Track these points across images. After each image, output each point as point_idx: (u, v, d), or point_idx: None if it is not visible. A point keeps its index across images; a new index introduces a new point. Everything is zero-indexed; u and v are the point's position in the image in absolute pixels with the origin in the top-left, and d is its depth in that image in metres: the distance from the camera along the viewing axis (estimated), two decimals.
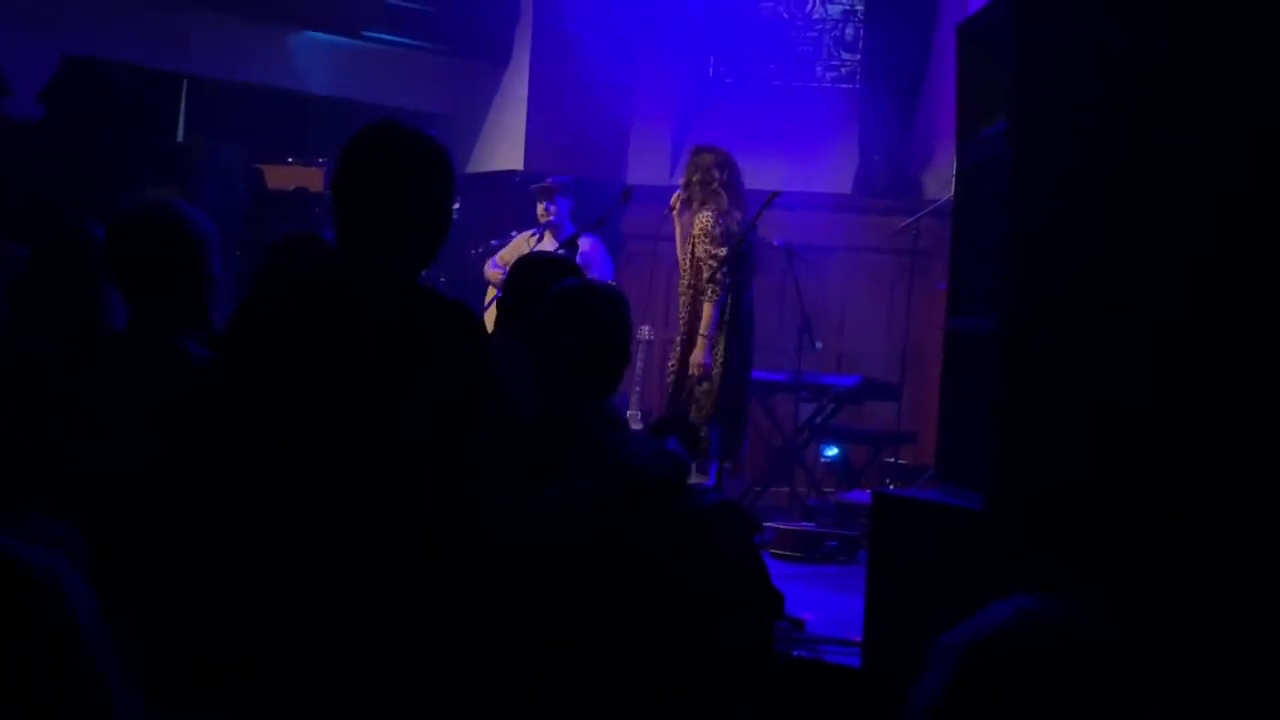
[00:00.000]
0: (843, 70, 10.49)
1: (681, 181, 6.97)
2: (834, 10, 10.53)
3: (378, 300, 2.63)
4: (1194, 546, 3.29)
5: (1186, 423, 3.37)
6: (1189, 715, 3.04)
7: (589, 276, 7.12)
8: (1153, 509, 3.34)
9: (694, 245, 6.79)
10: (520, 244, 7.88)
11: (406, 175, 2.70)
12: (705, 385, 6.61)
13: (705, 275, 6.70)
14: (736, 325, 6.80)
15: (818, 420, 8.39)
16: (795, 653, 4.34)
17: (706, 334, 6.67)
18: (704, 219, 6.77)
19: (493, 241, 8.35)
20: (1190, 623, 3.21)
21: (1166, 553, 3.30)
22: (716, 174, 6.82)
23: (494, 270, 7.87)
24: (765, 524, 6.98)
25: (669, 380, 6.81)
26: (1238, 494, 3.30)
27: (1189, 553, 3.29)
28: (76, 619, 1.27)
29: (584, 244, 7.58)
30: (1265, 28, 3.39)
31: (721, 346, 6.72)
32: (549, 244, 7.62)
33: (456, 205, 7.61)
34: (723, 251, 6.70)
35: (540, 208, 7.86)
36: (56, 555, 1.32)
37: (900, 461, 8.37)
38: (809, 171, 9.64)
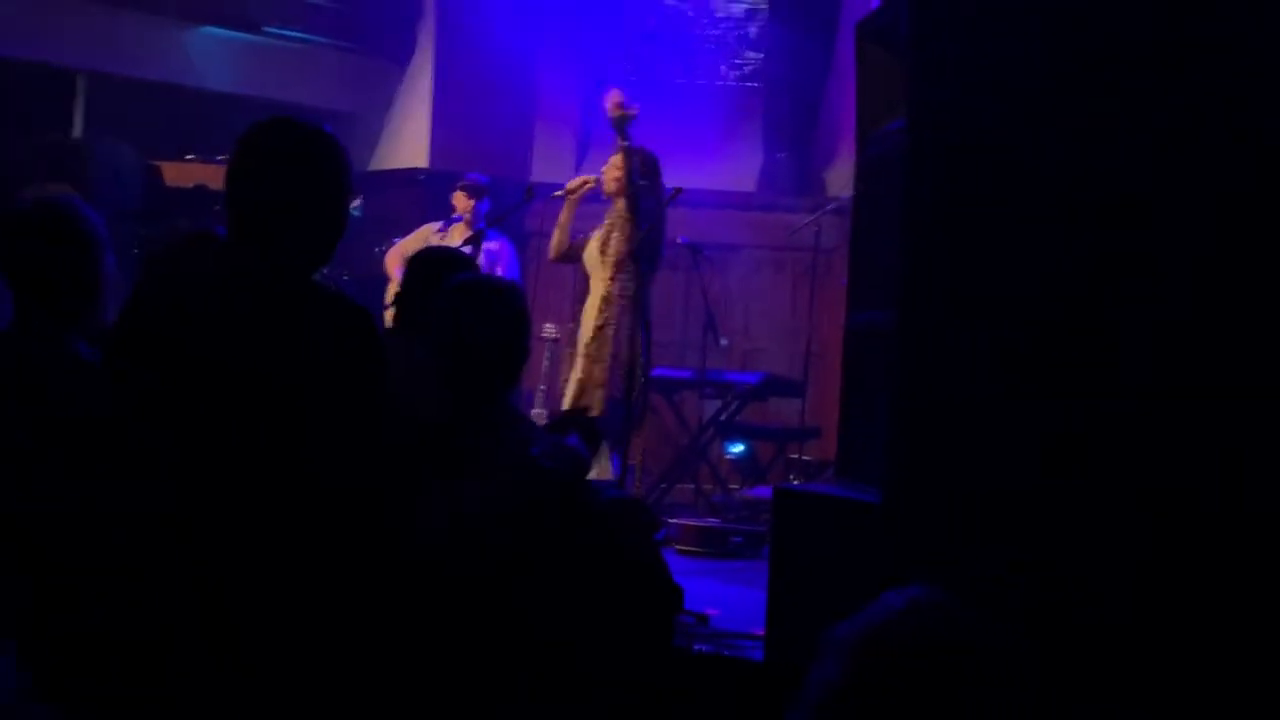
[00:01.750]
0: (746, 69, 10.54)
1: (604, 174, 6.86)
2: (737, 9, 10.57)
3: (263, 298, 2.60)
4: (1085, 539, 3.34)
5: (1081, 416, 3.42)
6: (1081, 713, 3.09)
7: (497, 274, 7.13)
8: (1044, 503, 3.38)
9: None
10: (425, 235, 7.84)
11: (299, 171, 2.66)
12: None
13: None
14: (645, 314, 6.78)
15: (722, 417, 8.43)
16: (697, 647, 4.35)
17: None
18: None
19: (394, 240, 8.29)
20: (1083, 618, 3.27)
21: (1057, 546, 3.35)
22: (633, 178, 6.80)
23: (395, 264, 7.82)
24: (670, 520, 6.99)
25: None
26: (1132, 487, 3.35)
27: (1079, 544, 3.34)
28: None
29: (492, 243, 7.55)
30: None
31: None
32: (455, 240, 7.58)
33: (356, 203, 7.52)
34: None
35: (468, 203, 7.81)
36: None
37: (805, 458, 8.42)
38: (713, 170, 9.68)
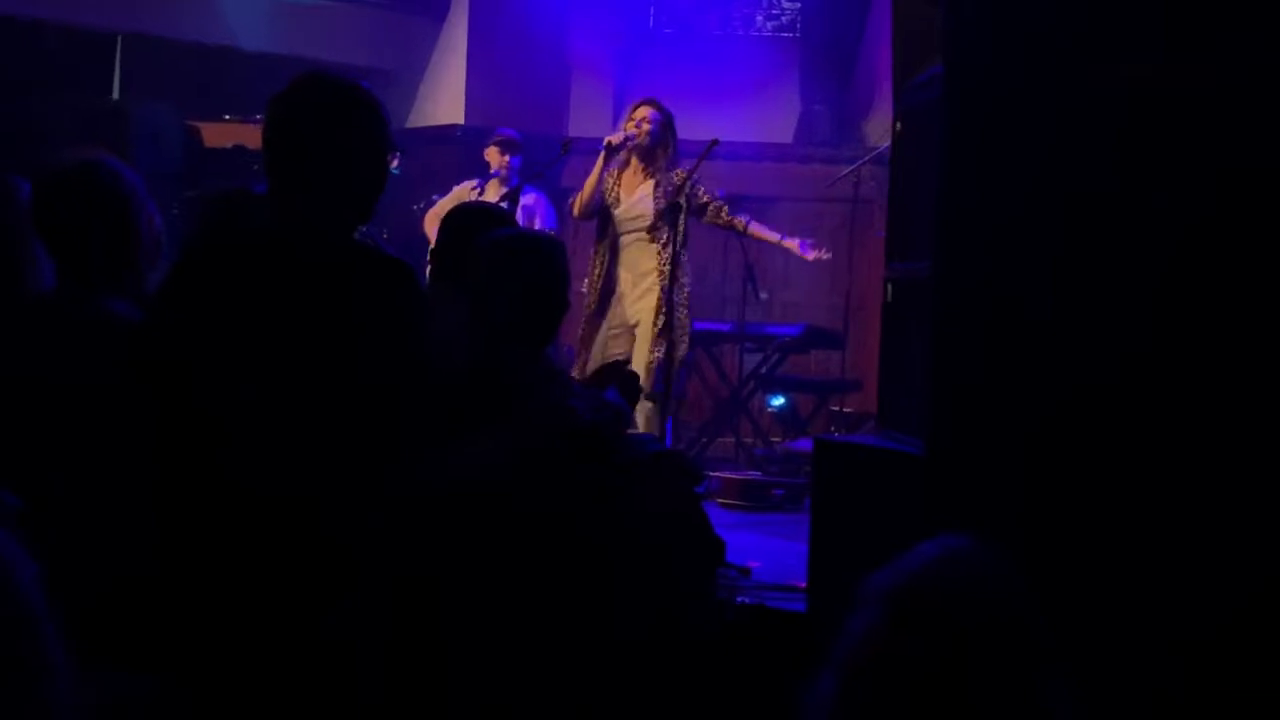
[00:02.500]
0: (783, 19, 10.45)
1: (634, 130, 6.79)
2: None
3: (308, 256, 2.60)
4: (1125, 495, 3.33)
5: (1117, 370, 3.40)
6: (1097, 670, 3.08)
7: (534, 228, 7.11)
8: (1081, 458, 3.36)
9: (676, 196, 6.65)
10: (461, 194, 7.82)
11: (337, 127, 2.65)
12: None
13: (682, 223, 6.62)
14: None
15: (763, 370, 8.41)
16: (740, 599, 4.36)
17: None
18: (683, 175, 6.68)
19: (434, 196, 8.30)
20: (1108, 573, 3.25)
21: (1095, 501, 3.33)
22: (668, 131, 6.76)
23: (432, 223, 7.82)
24: (712, 474, 7.00)
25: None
26: (1178, 447, 3.33)
27: (1116, 504, 3.33)
28: (24, 592, 1.25)
29: (528, 198, 7.53)
30: None
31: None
32: (491, 196, 7.57)
33: (394, 160, 7.52)
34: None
35: (501, 159, 7.79)
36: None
37: (846, 410, 8.40)
38: (750, 121, 9.62)
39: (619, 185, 6.81)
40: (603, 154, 6.77)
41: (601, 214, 6.83)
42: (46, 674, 1.25)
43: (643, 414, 6.36)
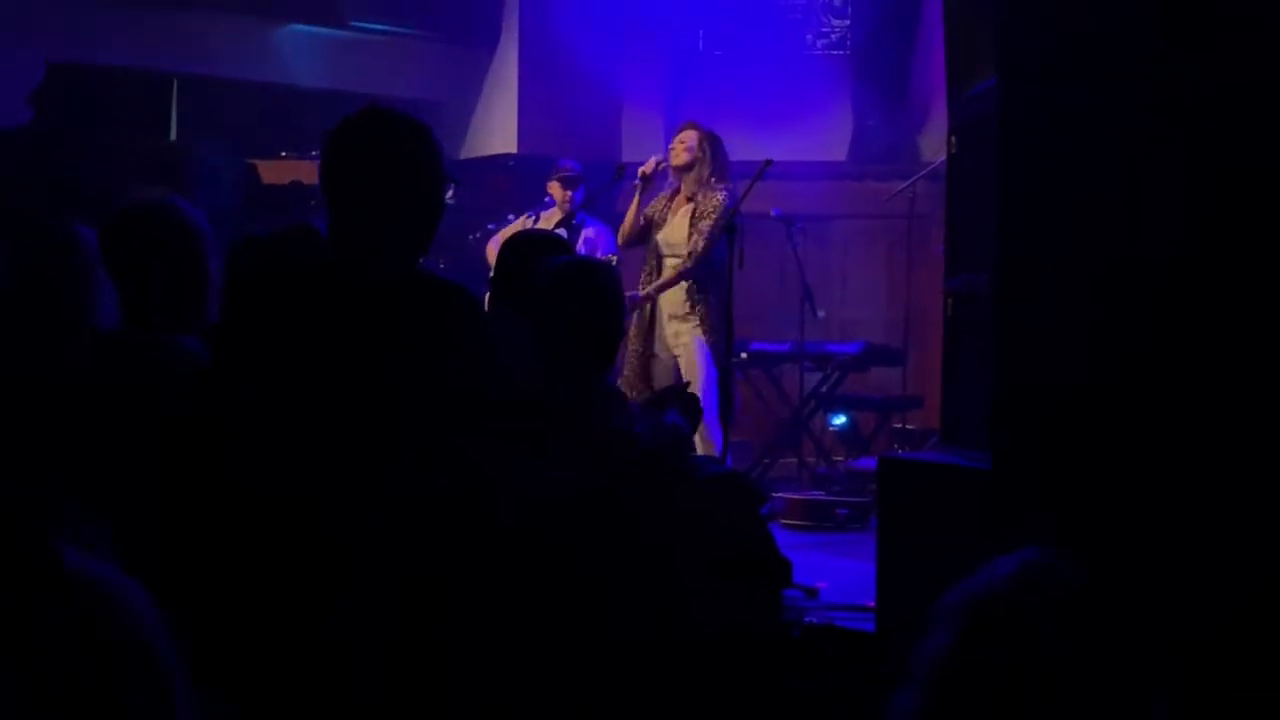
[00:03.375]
0: (833, 37, 10.43)
1: (682, 158, 6.81)
2: None
3: (367, 283, 2.62)
4: (1191, 510, 3.28)
5: (1184, 381, 3.36)
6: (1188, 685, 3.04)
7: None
8: (1149, 471, 3.32)
9: (703, 221, 6.67)
10: (520, 226, 7.85)
11: (394, 159, 2.67)
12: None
13: (701, 249, 6.64)
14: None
15: (823, 389, 8.38)
16: (808, 619, 4.33)
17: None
18: (718, 199, 6.67)
19: (490, 225, 8.33)
20: (1182, 587, 3.21)
21: (1163, 513, 3.29)
22: (705, 149, 6.77)
23: (494, 251, 7.84)
24: (775, 495, 6.97)
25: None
26: (1234, 459, 3.28)
27: (1184, 516, 3.28)
28: (150, 631, 1.25)
29: (589, 230, 7.53)
30: None
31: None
32: (547, 226, 7.59)
33: (450, 191, 7.54)
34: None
35: (564, 194, 7.77)
36: (114, 566, 1.29)
37: (908, 426, 8.35)
38: (803, 140, 9.60)
39: (668, 208, 6.84)
40: (638, 184, 6.83)
41: (649, 237, 6.87)
42: (173, 701, 1.25)
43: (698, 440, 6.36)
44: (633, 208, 6.90)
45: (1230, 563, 3.22)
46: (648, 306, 6.83)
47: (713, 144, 6.80)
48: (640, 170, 6.87)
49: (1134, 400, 3.40)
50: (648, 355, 6.80)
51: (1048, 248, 3.53)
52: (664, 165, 6.83)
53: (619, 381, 6.83)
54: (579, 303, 3.07)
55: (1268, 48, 3.34)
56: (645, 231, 6.91)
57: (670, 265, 6.78)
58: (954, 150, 4.38)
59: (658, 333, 6.80)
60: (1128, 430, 3.38)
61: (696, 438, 6.24)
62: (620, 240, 7.02)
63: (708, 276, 6.62)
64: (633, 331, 6.80)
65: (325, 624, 2.48)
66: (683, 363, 6.69)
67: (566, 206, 7.72)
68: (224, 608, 2.52)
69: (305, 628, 2.49)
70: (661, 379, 6.66)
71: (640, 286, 6.88)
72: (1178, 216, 3.39)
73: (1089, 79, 3.49)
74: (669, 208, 6.85)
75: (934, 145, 9.02)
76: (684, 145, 6.77)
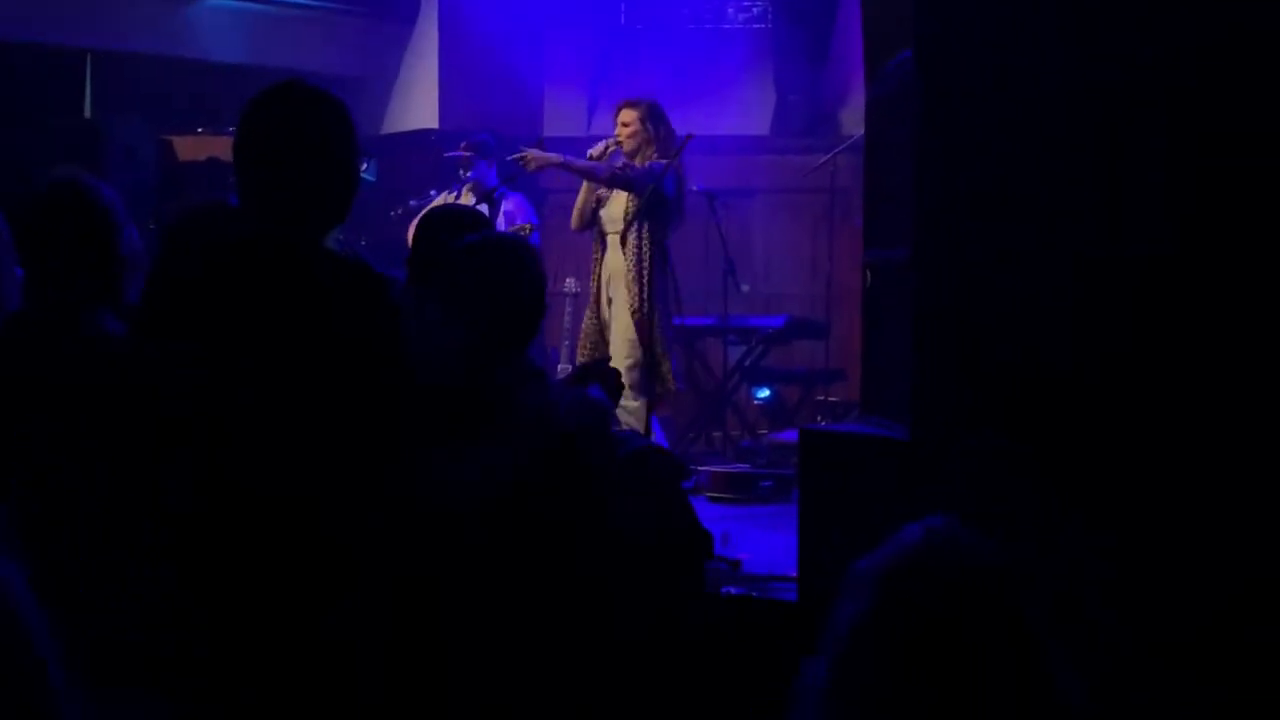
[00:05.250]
0: (754, 10, 10.45)
1: (629, 144, 6.80)
2: None
3: (278, 266, 2.60)
4: (1105, 480, 3.34)
5: (1096, 350, 3.41)
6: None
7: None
8: (1064, 439, 3.38)
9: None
10: (441, 203, 7.81)
11: (304, 133, 2.65)
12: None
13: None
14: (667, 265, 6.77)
15: (747, 362, 8.42)
16: (728, 590, 4.37)
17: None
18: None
19: (411, 202, 8.28)
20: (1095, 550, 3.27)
21: (1071, 481, 3.35)
22: (649, 127, 6.75)
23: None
24: (700, 468, 7.01)
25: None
26: (1146, 426, 3.34)
27: (1098, 485, 3.34)
28: (23, 617, 1.24)
29: (508, 203, 7.51)
30: None
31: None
32: (468, 202, 7.56)
33: (365, 166, 7.45)
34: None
35: (467, 163, 7.78)
36: None
37: (832, 399, 8.41)
38: (725, 114, 9.62)
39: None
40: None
41: (595, 215, 6.86)
42: (49, 699, 1.24)
43: (632, 413, 6.37)
44: (584, 190, 6.86)
45: (1133, 526, 3.28)
46: (599, 271, 6.80)
47: (652, 117, 6.78)
48: (589, 153, 6.83)
49: (1048, 370, 3.45)
50: (599, 319, 6.78)
51: (964, 219, 3.57)
52: (614, 148, 6.78)
53: (578, 344, 6.85)
54: (491, 280, 3.06)
55: (1186, 16, 3.39)
56: (596, 212, 6.90)
57: (611, 242, 6.76)
58: (871, 123, 4.42)
59: (604, 306, 6.79)
60: (1038, 397, 3.43)
61: (628, 413, 6.27)
62: (574, 223, 6.97)
63: (653, 249, 6.60)
64: (591, 305, 6.79)
65: (234, 605, 2.47)
66: (616, 330, 6.67)
67: (472, 177, 7.69)
68: (143, 589, 2.51)
69: (219, 612, 2.48)
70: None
71: (592, 270, 6.86)
72: (1092, 185, 3.43)
73: (1004, 49, 3.53)
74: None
75: (855, 118, 9.05)
76: (627, 130, 6.75)
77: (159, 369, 2.59)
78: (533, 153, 6.84)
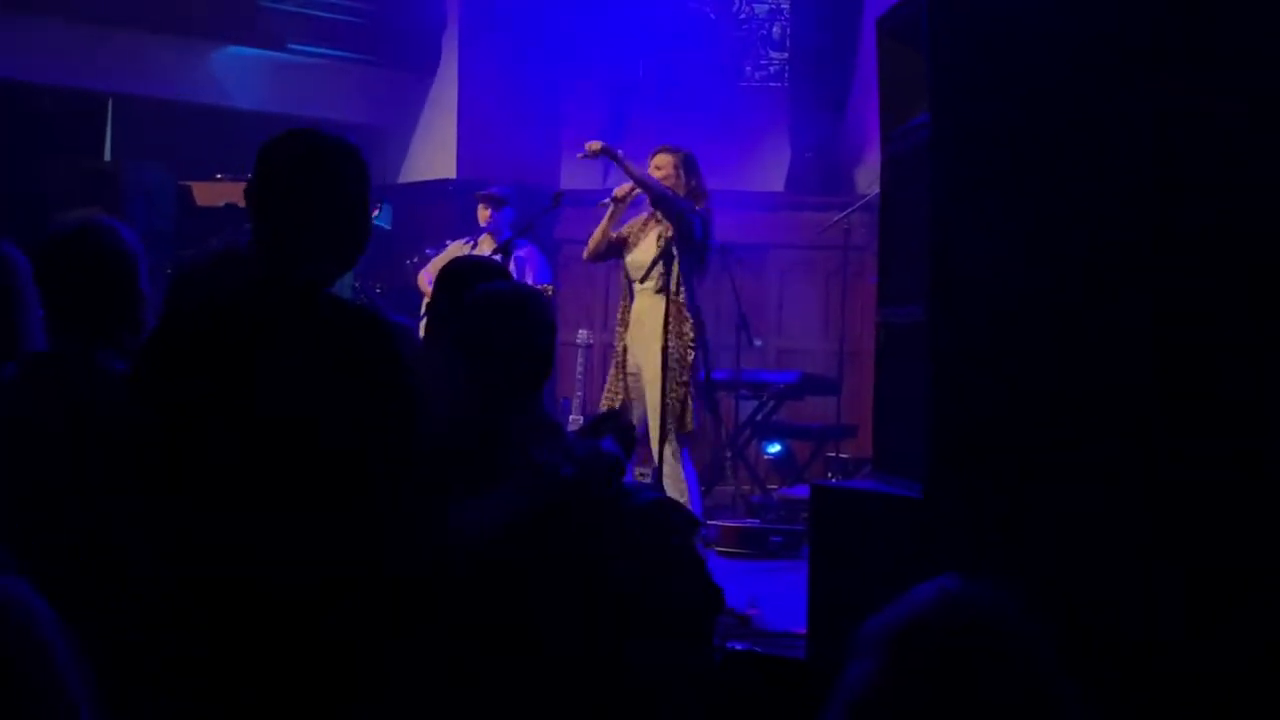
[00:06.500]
0: (771, 69, 10.53)
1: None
2: (760, 9, 10.56)
3: (287, 310, 2.60)
4: (1118, 536, 3.33)
5: (1119, 411, 3.41)
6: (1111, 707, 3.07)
7: (526, 281, 7.12)
8: (1079, 499, 3.37)
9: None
10: (455, 252, 7.85)
11: (316, 180, 2.65)
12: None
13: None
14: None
15: (759, 417, 8.42)
16: (737, 646, 4.35)
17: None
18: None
19: (427, 250, 8.33)
20: (1116, 610, 3.25)
21: (1095, 538, 3.34)
22: (683, 175, 6.74)
23: (426, 279, 7.84)
24: (709, 522, 6.99)
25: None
26: (1170, 485, 3.33)
27: (1115, 542, 3.33)
28: (49, 640, 1.24)
29: (520, 251, 7.55)
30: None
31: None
32: (484, 251, 7.60)
33: (378, 211, 7.46)
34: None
35: (485, 214, 7.82)
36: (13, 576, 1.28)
37: (843, 455, 8.41)
38: (741, 171, 9.67)
39: (641, 232, 6.82)
40: (609, 203, 6.78)
41: (619, 255, 6.84)
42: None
43: (668, 459, 6.32)
44: (603, 223, 6.82)
45: (1177, 568, 3.27)
46: (625, 319, 6.79)
47: (687, 166, 6.77)
48: (614, 193, 6.81)
49: (1064, 430, 3.44)
50: (624, 369, 6.74)
51: (978, 279, 3.58)
52: (638, 191, 6.80)
53: (601, 394, 6.81)
54: (503, 331, 3.07)
55: (1204, 77, 3.41)
56: (614, 249, 6.86)
57: (638, 289, 6.75)
58: (887, 183, 4.43)
59: (631, 353, 6.74)
60: (1057, 458, 3.43)
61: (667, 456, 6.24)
62: (586, 253, 6.95)
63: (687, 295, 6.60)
64: (618, 353, 6.78)
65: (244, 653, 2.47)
66: (646, 378, 6.63)
67: (494, 228, 7.73)
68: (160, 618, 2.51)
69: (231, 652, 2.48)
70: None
71: (619, 315, 6.84)
72: (1113, 245, 3.44)
73: (1020, 111, 3.55)
74: (642, 231, 6.83)
75: (870, 177, 9.10)
76: (661, 173, 6.72)
77: (168, 411, 2.60)
78: (598, 144, 6.81)
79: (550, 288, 7.18)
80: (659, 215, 6.70)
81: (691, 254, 6.61)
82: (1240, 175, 3.35)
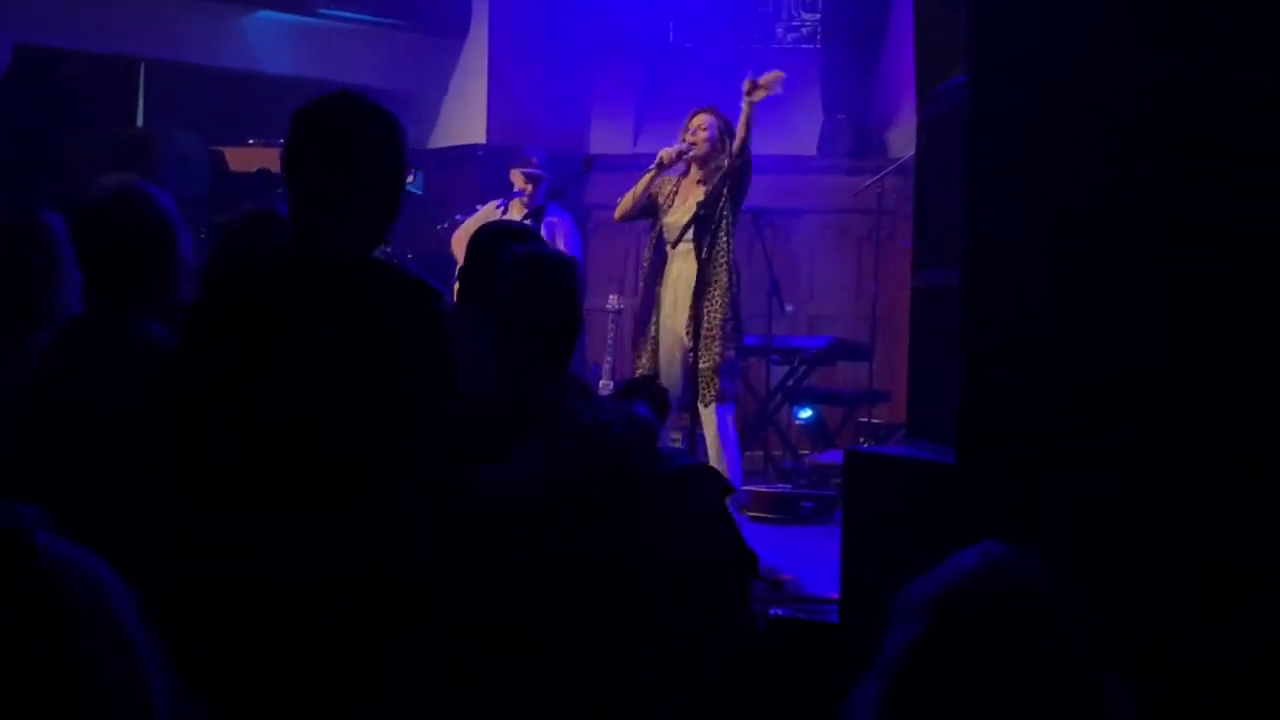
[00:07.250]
0: (803, 31, 10.46)
1: (690, 140, 6.73)
2: None
3: (328, 277, 2.61)
4: (1157, 504, 3.31)
5: (1149, 375, 3.38)
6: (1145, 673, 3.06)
7: (558, 246, 7.10)
8: (1119, 463, 3.35)
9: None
10: (487, 214, 7.83)
11: (352, 144, 2.65)
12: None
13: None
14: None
15: (790, 383, 8.40)
16: (772, 612, 4.35)
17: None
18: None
19: (457, 216, 8.32)
20: (1149, 575, 3.24)
21: (1130, 506, 3.32)
22: (724, 139, 6.70)
23: (459, 243, 7.83)
24: (741, 487, 6.98)
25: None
26: (1202, 453, 3.31)
27: (1150, 509, 3.31)
28: (124, 616, 1.24)
29: (552, 217, 7.53)
30: None
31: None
32: (515, 215, 7.59)
33: (411, 178, 7.45)
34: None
35: (524, 184, 7.77)
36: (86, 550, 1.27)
37: (874, 421, 8.39)
38: (773, 134, 9.59)
39: (676, 193, 6.77)
40: (653, 169, 6.73)
41: (654, 221, 6.80)
42: (149, 698, 1.24)
43: (709, 421, 6.34)
44: (642, 183, 6.75)
45: (1194, 556, 3.25)
46: (649, 287, 6.75)
47: (728, 130, 6.73)
48: (660, 155, 6.72)
49: (1099, 394, 3.42)
50: (656, 331, 6.70)
51: (1014, 243, 3.55)
52: (688, 156, 6.71)
53: (634, 357, 6.79)
54: (535, 295, 3.07)
55: (1244, 42, 3.36)
56: (646, 210, 6.82)
57: (672, 253, 6.68)
58: (922, 146, 4.40)
59: (664, 315, 6.71)
60: (1090, 422, 3.40)
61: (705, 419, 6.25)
62: (618, 214, 6.91)
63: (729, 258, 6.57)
64: (641, 313, 6.75)
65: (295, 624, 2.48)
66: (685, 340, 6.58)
67: (529, 193, 7.70)
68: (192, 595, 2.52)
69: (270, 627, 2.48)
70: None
71: (642, 271, 6.82)
72: (1149, 210, 3.41)
73: (1060, 74, 3.51)
74: (676, 191, 6.78)
75: (903, 141, 9.04)
76: (704, 134, 6.67)
77: (206, 377, 2.61)
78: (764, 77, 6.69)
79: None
80: (701, 177, 6.67)
81: (736, 214, 6.58)
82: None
